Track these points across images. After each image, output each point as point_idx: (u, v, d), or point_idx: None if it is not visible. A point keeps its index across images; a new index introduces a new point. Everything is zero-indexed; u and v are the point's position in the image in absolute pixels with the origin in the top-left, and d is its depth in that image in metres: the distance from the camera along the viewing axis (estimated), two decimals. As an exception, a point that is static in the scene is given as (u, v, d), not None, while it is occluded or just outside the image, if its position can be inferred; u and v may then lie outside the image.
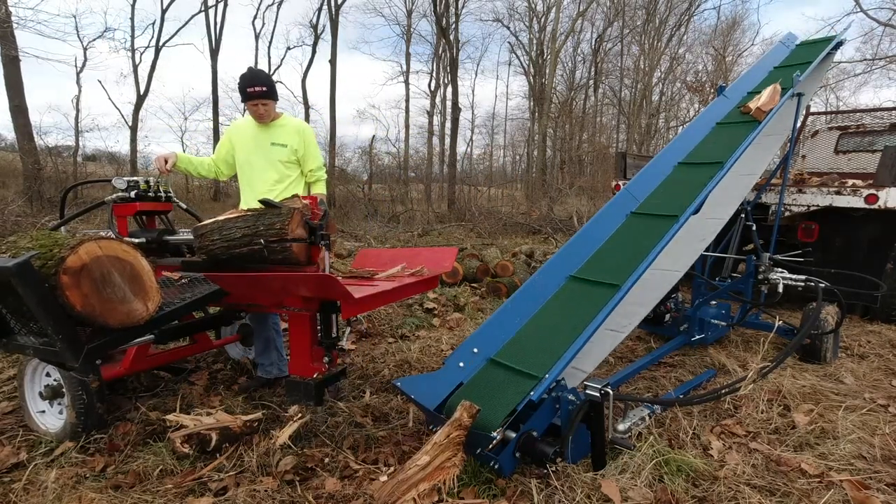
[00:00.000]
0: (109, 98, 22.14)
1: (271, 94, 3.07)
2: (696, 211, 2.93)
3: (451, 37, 18.82)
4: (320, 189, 3.28)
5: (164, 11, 17.30)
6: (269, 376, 3.08)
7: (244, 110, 3.34)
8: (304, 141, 3.16)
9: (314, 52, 20.13)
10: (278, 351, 3.11)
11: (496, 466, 2.03)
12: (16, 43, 11.32)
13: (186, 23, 18.23)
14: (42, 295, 1.93)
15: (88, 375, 2.34)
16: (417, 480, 1.82)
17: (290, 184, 3.17)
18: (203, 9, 17.90)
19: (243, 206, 3.15)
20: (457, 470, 1.90)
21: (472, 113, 29.01)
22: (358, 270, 3.03)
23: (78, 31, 19.40)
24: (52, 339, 2.03)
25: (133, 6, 17.12)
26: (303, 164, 3.21)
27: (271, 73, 21.16)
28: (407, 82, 22.50)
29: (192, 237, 2.93)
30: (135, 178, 3.10)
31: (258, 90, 3.01)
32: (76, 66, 17.27)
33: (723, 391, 2.60)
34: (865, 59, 17.00)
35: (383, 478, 2.06)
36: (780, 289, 3.67)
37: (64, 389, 2.34)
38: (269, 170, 3.12)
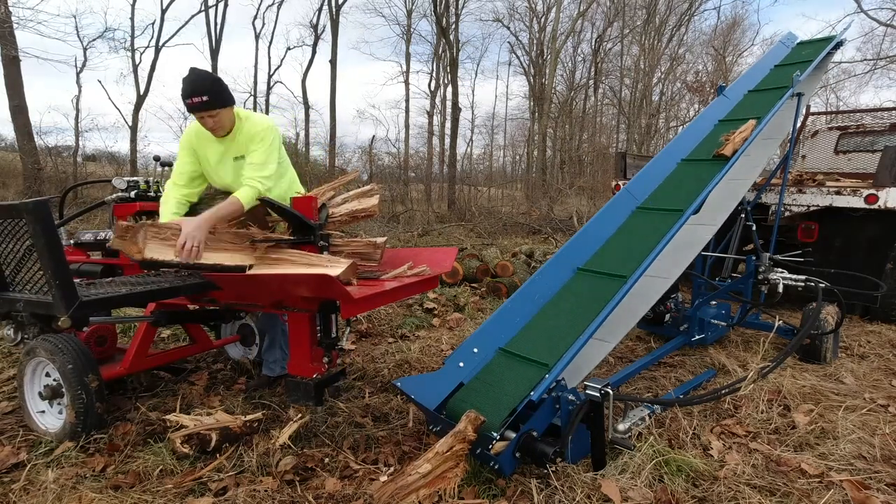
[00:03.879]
0: (109, 98, 22.21)
1: (217, 102, 2.53)
2: (696, 211, 2.93)
3: (451, 37, 18.80)
4: (242, 195, 2.52)
5: (163, 11, 17.30)
6: (273, 374, 3.08)
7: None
8: (247, 144, 2.67)
9: (314, 52, 20.17)
10: (283, 350, 3.10)
11: (496, 466, 2.03)
12: (16, 43, 11.33)
13: (186, 23, 18.23)
14: (51, 236, 2.06)
15: (82, 329, 2.36)
16: (418, 487, 1.82)
17: (279, 177, 2.82)
18: (203, 9, 17.90)
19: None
20: (458, 480, 1.91)
21: (472, 113, 29.01)
22: (363, 271, 3.01)
23: (78, 32, 19.37)
24: (49, 285, 2.10)
25: (133, 6, 17.12)
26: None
27: (271, 72, 21.15)
28: (407, 82, 22.51)
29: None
30: (135, 178, 3.10)
31: (197, 101, 2.48)
32: (76, 66, 17.29)
33: (723, 391, 2.60)
34: (866, 60, 17.01)
35: (383, 478, 2.06)
36: (780, 289, 3.67)
37: (63, 389, 2.34)
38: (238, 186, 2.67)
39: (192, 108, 2.53)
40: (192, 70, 2.55)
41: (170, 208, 2.70)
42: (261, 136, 2.67)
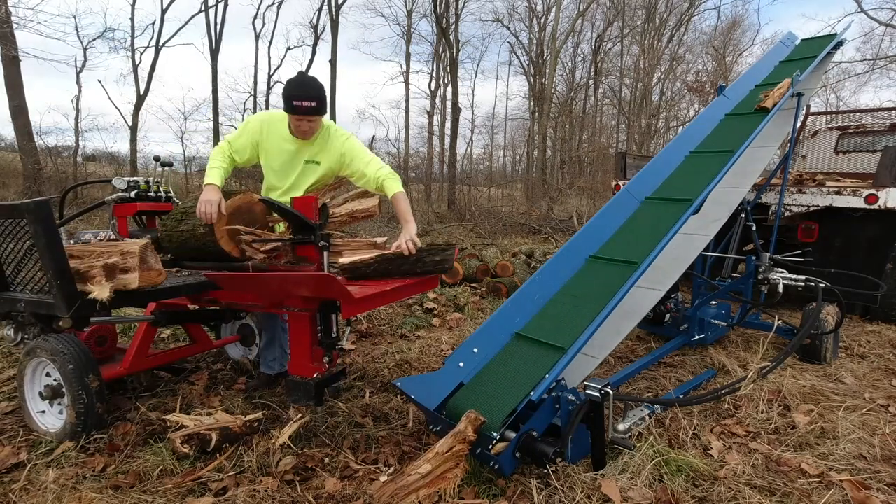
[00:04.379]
0: (109, 98, 22.22)
1: (321, 110, 2.58)
2: (696, 211, 2.93)
3: (451, 37, 18.80)
4: (397, 185, 2.69)
5: (163, 11, 17.29)
6: (272, 372, 3.08)
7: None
8: (340, 156, 2.77)
9: (314, 52, 20.12)
10: (282, 348, 3.11)
11: (496, 466, 2.03)
12: (16, 43, 11.34)
13: (186, 23, 18.19)
14: (52, 236, 2.07)
15: (82, 329, 2.44)
16: (418, 487, 1.82)
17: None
18: (203, 9, 17.87)
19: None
20: (458, 480, 1.91)
21: (472, 113, 28.95)
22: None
23: (78, 32, 19.37)
24: (50, 284, 2.11)
25: (133, 6, 17.11)
26: (359, 177, 2.79)
27: (271, 72, 21.14)
28: (407, 82, 22.48)
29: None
30: (135, 178, 3.11)
31: (307, 105, 2.52)
32: (76, 66, 17.27)
33: (723, 391, 2.61)
34: (866, 59, 17.02)
35: (383, 478, 2.06)
36: (780, 289, 3.67)
37: (64, 389, 2.34)
38: (298, 189, 2.81)
39: (297, 110, 2.54)
40: (304, 73, 2.62)
41: (219, 173, 2.64)
42: (352, 148, 2.77)
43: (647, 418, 2.47)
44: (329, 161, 2.77)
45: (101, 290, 2.10)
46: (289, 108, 2.57)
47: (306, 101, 2.52)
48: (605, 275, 2.67)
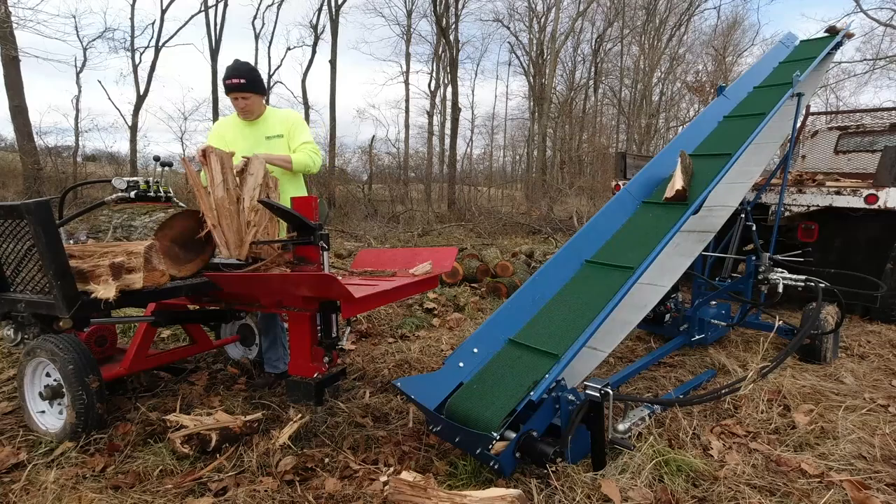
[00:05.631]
0: (109, 98, 22.27)
1: (253, 87, 2.90)
2: (696, 211, 2.93)
3: (451, 37, 18.81)
4: (298, 158, 2.94)
5: (163, 11, 17.30)
6: (278, 371, 3.10)
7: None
8: (291, 124, 3.04)
9: (314, 52, 20.11)
10: (284, 347, 3.13)
11: (496, 466, 2.03)
12: (16, 43, 11.34)
13: (186, 23, 18.21)
14: (52, 237, 2.08)
15: (82, 329, 2.46)
16: None
17: (292, 176, 3.08)
18: (203, 9, 17.88)
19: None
20: None
21: (472, 113, 28.97)
22: (377, 270, 2.98)
23: (77, 32, 19.37)
24: (51, 285, 2.11)
25: (133, 6, 17.14)
26: (290, 143, 3.03)
27: (271, 72, 21.13)
28: (407, 82, 22.50)
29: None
30: (135, 179, 3.10)
31: (235, 82, 2.84)
32: (76, 66, 17.30)
33: (723, 391, 2.61)
34: (865, 59, 17.00)
35: (383, 478, 2.05)
36: (780, 289, 3.67)
37: (64, 390, 2.34)
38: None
39: (229, 88, 2.87)
40: (236, 60, 2.93)
41: None
42: (301, 122, 3.11)
43: (647, 418, 2.47)
44: (285, 129, 3.04)
45: (106, 290, 2.11)
46: (225, 90, 2.90)
47: (235, 78, 2.85)
48: (602, 279, 2.67)
